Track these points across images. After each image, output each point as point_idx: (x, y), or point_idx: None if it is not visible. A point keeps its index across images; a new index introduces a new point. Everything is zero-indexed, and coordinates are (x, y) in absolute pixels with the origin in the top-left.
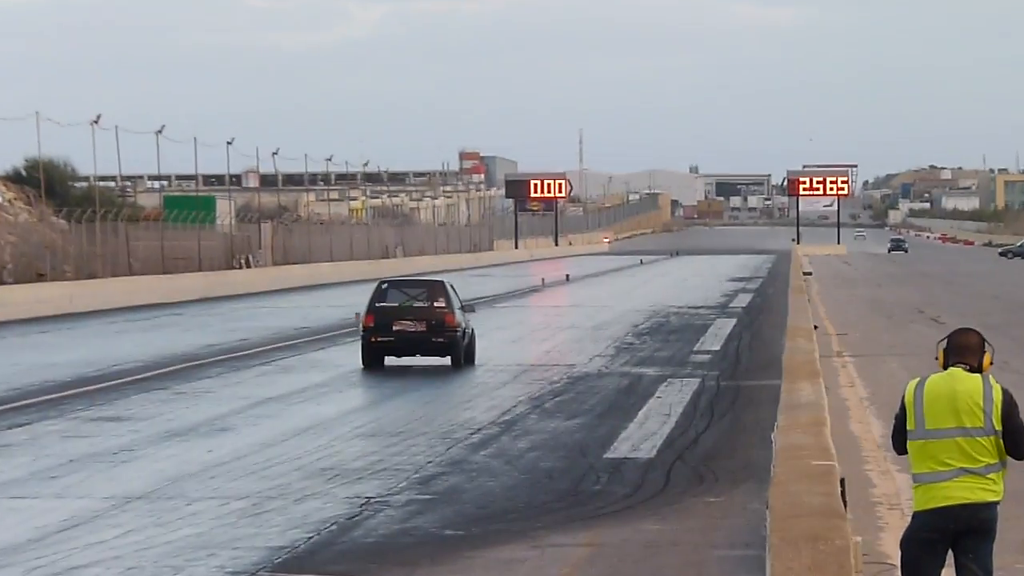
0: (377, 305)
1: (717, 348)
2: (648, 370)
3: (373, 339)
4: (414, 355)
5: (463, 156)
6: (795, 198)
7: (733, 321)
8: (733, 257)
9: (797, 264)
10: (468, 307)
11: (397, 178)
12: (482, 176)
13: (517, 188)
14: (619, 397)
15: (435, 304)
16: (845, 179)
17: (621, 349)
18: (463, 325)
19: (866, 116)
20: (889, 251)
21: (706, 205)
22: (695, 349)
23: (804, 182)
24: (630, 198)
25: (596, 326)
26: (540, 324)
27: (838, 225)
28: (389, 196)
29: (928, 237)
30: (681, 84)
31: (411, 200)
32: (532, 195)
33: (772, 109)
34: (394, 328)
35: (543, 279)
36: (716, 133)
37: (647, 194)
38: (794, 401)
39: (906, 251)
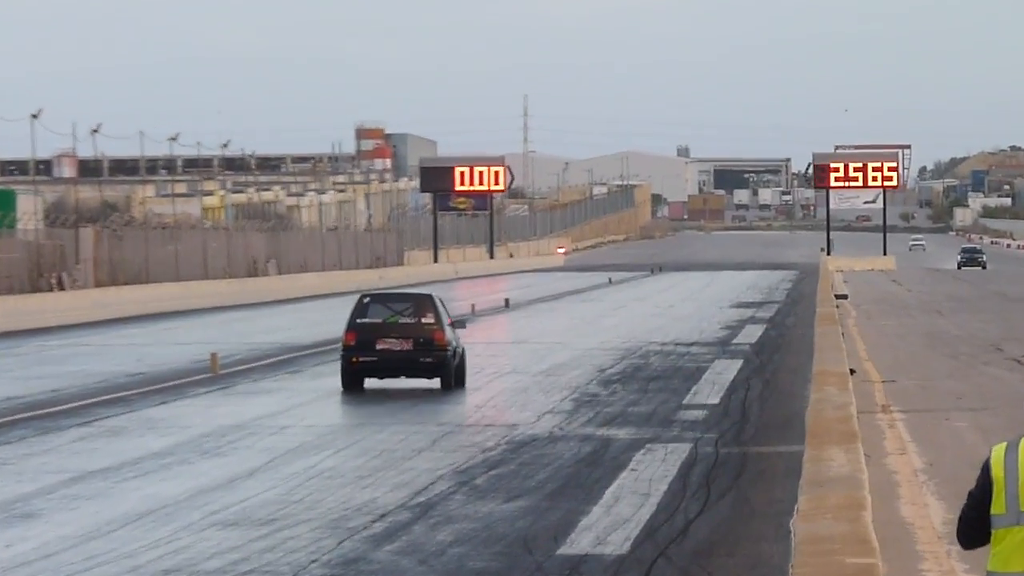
0: (358, 321)
1: (716, 401)
2: (619, 432)
3: (354, 359)
4: (399, 376)
5: (361, 134)
6: (824, 191)
7: (738, 363)
8: (738, 274)
9: (827, 283)
10: (458, 323)
11: (270, 165)
12: (388, 162)
13: (437, 178)
14: (578, 470)
15: (422, 320)
16: (894, 165)
17: (582, 403)
18: (453, 343)
19: (922, 79)
20: (960, 266)
21: (701, 201)
22: (685, 402)
23: (837, 169)
24: (595, 192)
25: (547, 371)
26: (470, 369)
27: (884, 229)
28: (258, 190)
29: (1009, 246)
30: (664, 33)
31: (289, 195)
32: (458, 188)
33: (792, 69)
34: (377, 347)
35: (473, 305)
36: (715, 102)
37: (618, 186)
38: (822, 475)
39: (984, 266)
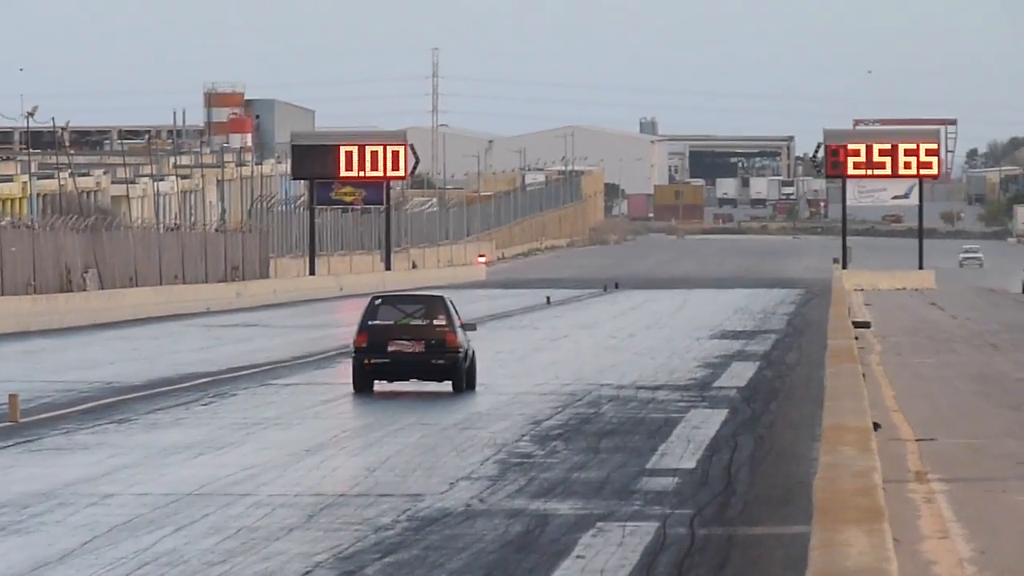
0: (370, 323)
1: (691, 465)
2: (561, 506)
3: (367, 361)
4: (410, 379)
5: (212, 100)
6: (840, 182)
7: (721, 414)
8: (722, 293)
9: (843, 307)
10: (469, 326)
11: (90, 141)
12: (248, 137)
13: (314, 160)
14: (505, 557)
15: (434, 322)
16: (934, 147)
17: (509, 466)
18: (464, 346)
19: (971, 31)
20: None
21: (672, 193)
22: (649, 467)
23: (856, 152)
24: (529, 180)
25: (463, 423)
26: (358, 417)
27: (920, 234)
28: (74, 174)
29: None
30: None
31: (115, 182)
32: (343, 174)
33: (795, 15)
34: (389, 348)
35: None
36: (690, 62)
37: (561, 173)
38: (836, 566)
39: None
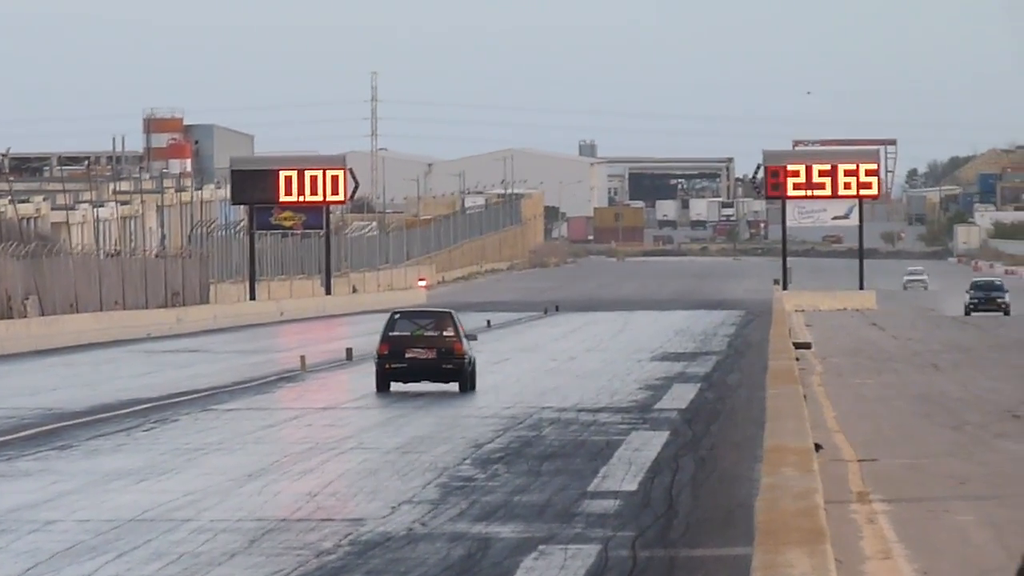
0: (390, 334)
1: (632, 487)
2: (502, 529)
3: (387, 365)
4: (423, 381)
5: (152, 126)
6: (779, 203)
7: (663, 436)
8: (663, 315)
9: (783, 328)
10: (471, 336)
11: (29, 167)
12: (188, 163)
13: (254, 185)
14: None
15: (444, 333)
16: (874, 167)
17: (451, 489)
18: (468, 353)
19: (912, 52)
20: (969, 309)
21: (612, 216)
22: (591, 489)
23: (796, 173)
24: (468, 204)
25: (404, 446)
26: (299, 442)
27: (860, 254)
28: (13, 201)
29: None
30: None
31: (55, 208)
32: (282, 199)
33: (734, 37)
34: (406, 355)
35: (303, 357)
36: (629, 84)
37: (500, 196)
38: None
39: (1006, 311)
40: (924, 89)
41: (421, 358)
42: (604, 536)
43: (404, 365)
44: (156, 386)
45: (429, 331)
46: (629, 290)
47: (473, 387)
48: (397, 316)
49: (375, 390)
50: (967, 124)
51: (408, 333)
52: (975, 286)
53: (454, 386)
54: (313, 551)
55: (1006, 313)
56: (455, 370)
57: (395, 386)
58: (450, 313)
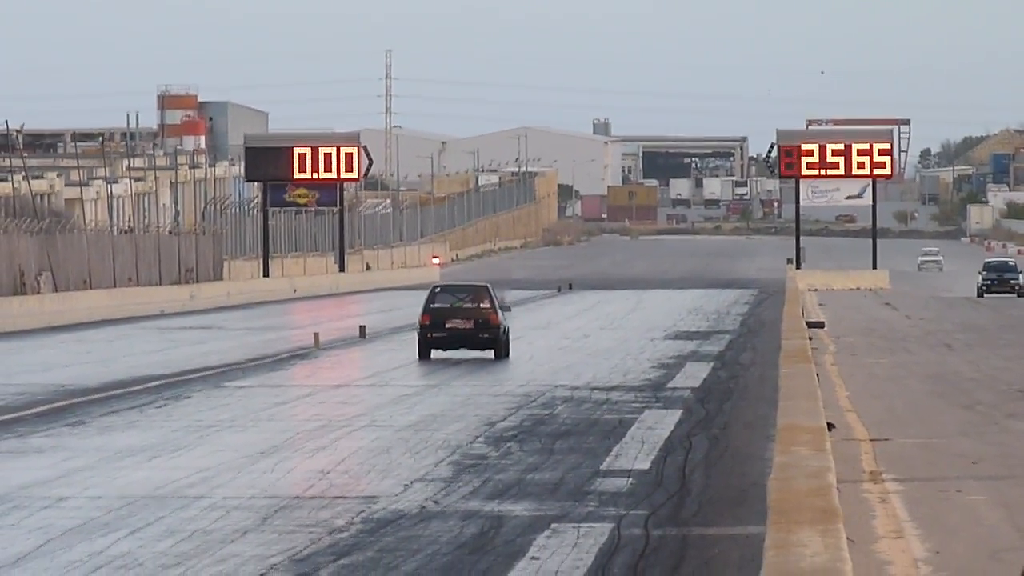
0: (432, 306)
1: (645, 466)
2: (515, 507)
3: (429, 335)
4: (461, 349)
5: (166, 103)
6: (793, 182)
7: (675, 415)
8: (676, 294)
9: (796, 307)
10: (505, 307)
11: (43, 143)
12: (202, 140)
13: (268, 162)
14: (460, 559)
15: (481, 305)
16: (887, 147)
17: (464, 467)
18: (503, 323)
19: (925, 31)
20: (982, 291)
21: (625, 194)
22: (604, 468)
23: (810, 152)
24: (482, 182)
25: (417, 424)
26: (311, 420)
27: (874, 234)
28: (27, 177)
29: None
30: None
31: (69, 184)
32: (296, 176)
33: (747, 16)
34: (446, 325)
35: (316, 335)
36: (643, 62)
37: (514, 174)
38: (790, 566)
39: (1020, 292)
40: (937, 69)
41: (460, 328)
42: (617, 515)
43: (444, 334)
44: (169, 363)
45: (467, 303)
46: (642, 268)
47: (507, 354)
48: (438, 290)
49: (417, 357)
50: (980, 104)
51: (448, 305)
52: (988, 267)
53: (490, 353)
54: (326, 528)
55: (1020, 295)
56: (491, 339)
57: (435, 353)
58: (486, 287)
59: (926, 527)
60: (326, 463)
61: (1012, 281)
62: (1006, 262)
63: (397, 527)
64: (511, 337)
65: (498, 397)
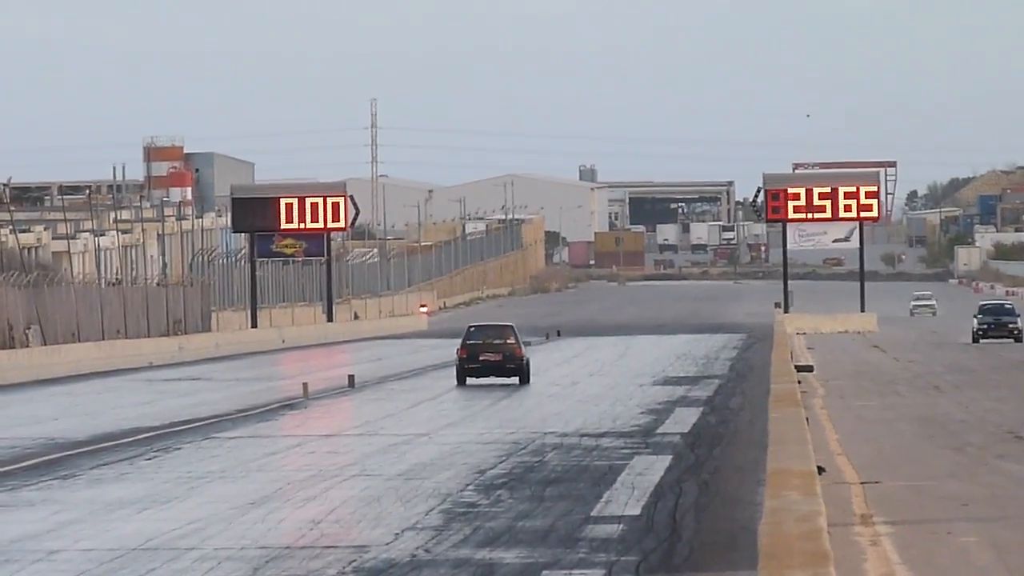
0: (468, 343)
1: (636, 512)
2: (506, 555)
3: (466, 366)
4: (491, 377)
5: (152, 154)
6: (780, 226)
7: (665, 460)
8: (664, 339)
9: (785, 351)
10: (526, 343)
11: (29, 197)
12: (188, 191)
13: (255, 213)
14: None
15: (507, 341)
16: (874, 189)
17: (454, 516)
18: (525, 356)
19: (911, 73)
20: (977, 336)
21: (612, 240)
22: (594, 514)
23: (796, 196)
24: (469, 229)
25: (407, 473)
26: (301, 470)
27: (861, 277)
28: (14, 230)
29: None
30: (557, 13)
31: (56, 238)
32: (283, 226)
33: (733, 59)
34: (480, 358)
35: (305, 385)
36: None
37: (501, 222)
38: None
39: (1018, 337)
40: (923, 111)
41: (491, 360)
42: (608, 560)
43: (478, 365)
44: (158, 415)
45: (496, 340)
46: (630, 314)
47: (528, 381)
48: (473, 329)
49: (455, 384)
50: (966, 146)
51: (481, 341)
52: (983, 310)
53: (515, 380)
54: None
55: (1017, 340)
56: (516, 368)
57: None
58: (511, 326)
59: (917, 569)
60: (316, 513)
61: (1011, 325)
62: (1003, 304)
63: None
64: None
65: (488, 445)
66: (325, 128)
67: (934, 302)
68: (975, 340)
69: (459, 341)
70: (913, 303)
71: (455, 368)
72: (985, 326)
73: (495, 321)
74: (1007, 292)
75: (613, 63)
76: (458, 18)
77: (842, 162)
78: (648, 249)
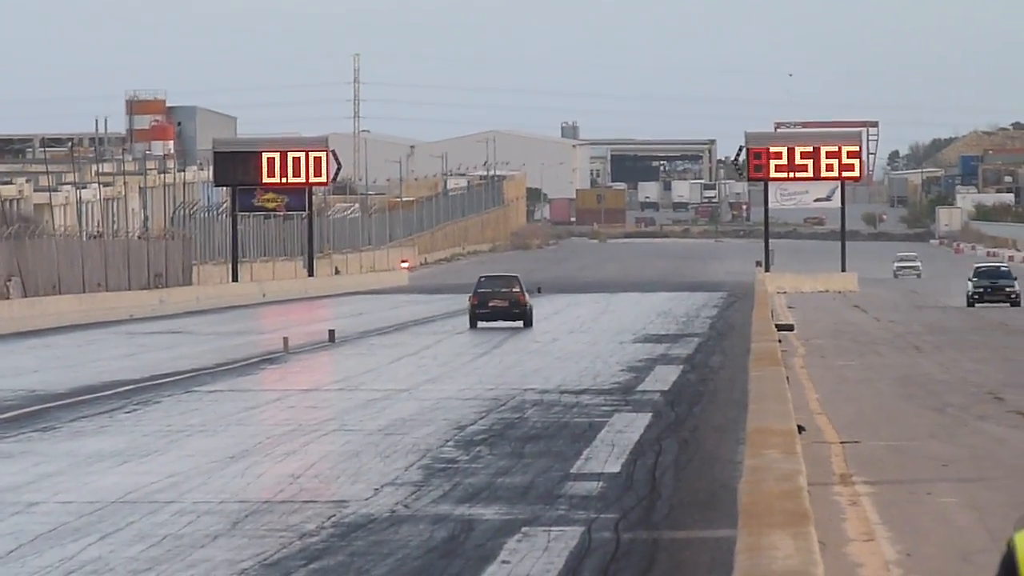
0: (479, 291)
1: (615, 469)
2: (485, 511)
3: (476, 311)
4: (499, 321)
5: (134, 107)
6: (762, 185)
7: (645, 418)
8: (645, 297)
9: (766, 310)
10: (530, 291)
11: (11, 148)
12: (170, 144)
13: (236, 167)
14: (430, 563)
15: (512, 290)
16: (856, 149)
17: (434, 471)
18: (528, 303)
19: (892, 33)
20: (973, 301)
21: (594, 198)
22: (574, 471)
23: (778, 155)
24: (451, 185)
25: (387, 428)
26: (281, 424)
27: (843, 236)
28: None
29: (1012, 258)
30: None
31: (38, 190)
32: (265, 180)
33: (714, 17)
34: (489, 304)
35: (286, 339)
36: (610, 65)
37: (483, 178)
38: (761, 569)
39: (1015, 300)
40: (905, 71)
41: (498, 306)
42: (587, 518)
43: (487, 311)
44: (138, 368)
45: (503, 288)
46: (611, 272)
47: (531, 324)
48: (483, 279)
49: (468, 327)
50: (949, 106)
51: (490, 290)
52: (978, 273)
53: (520, 323)
54: (296, 533)
55: (1014, 304)
56: (520, 313)
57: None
58: (516, 277)
59: (897, 529)
60: (296, 467)
61: (1008, 288)
62: (999, 267)
63: (368, 531)
64: (535, 314)
65: (468, 401)
66: (307, 83)
67: (919, 263)
68: (970, 304)
69: (439, 296)
70: (897, 264)
71: (467, 314)
72: (981, 290)
73: (502, 272)
74: (988, 253)
75: (596, 20)
76: None
77: (824, 122)
78: (629, 207)
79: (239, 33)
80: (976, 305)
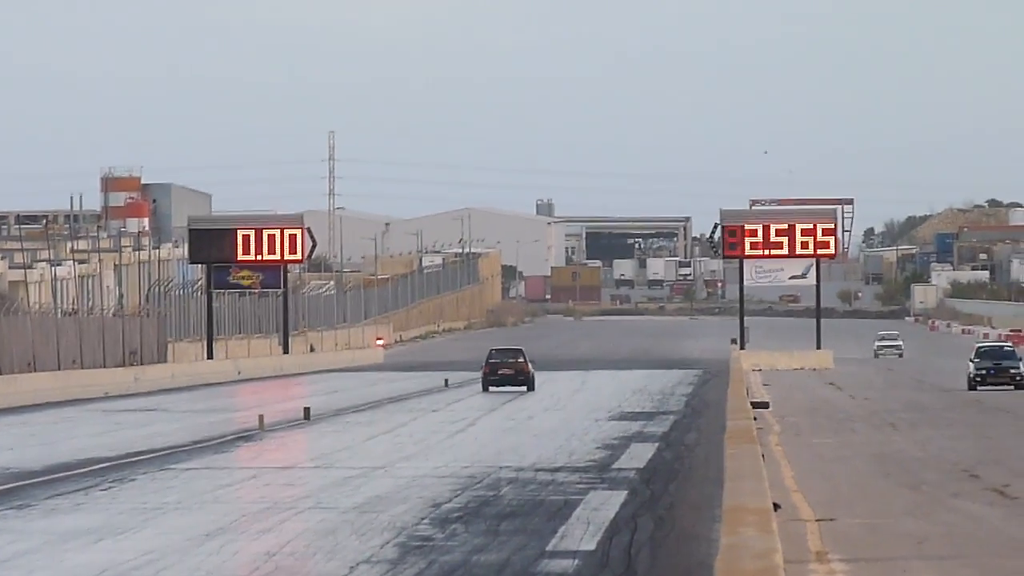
0: (490, 361)
1: (591, 547)
2: None
3: (489, 378)
4: (507, 386)
5: (109, 184)
6: (737, 262)
7: (621, 495)
8: (620, 374)
9: (741, 387)
10: (532, 362)
11: None
12: (145, 222)
13: (212, 244)
14: None
15: (518, 360)
16: (831, 227)
17: (409, 549)
18: (532, 371)
19: (869, 110)
20: (975, 383)
21: (569, 275)
22: (549, 548)
23: (753, 232)
24: (426, 262)
25: (362, 506)
26: (257, 502)
27: (818, 314)
28: None
29: (986, 335)
30: (515, 44)
31: (12, 267)
32: (240, 258)
33: (692, 93)
34: (499, 372)
35: (262, 416)
36: (586, 143)
37: (458, 255)
38: None
39: (1021, 383)
40: (881, 149)
41: (507, 373)
42: None
43: (497, 377)
44: (114, 445)
45: (510, 359)
46: (587, 349)
47: (533, 389)
48: (493, 351)
49: (481, 390)
50: (924, 184)
51: (499, 360)
52: (980, 353)
53: (524, 388)
54: None
55: (1019, 387)
56: (524, 379)
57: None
58: (521, 350)
59: None
60: (272, 545)
61: (1012, 370)
62: (1002, 347)
63: None
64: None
65: (443, 479)
66: (282, 160)
67: (900, 342)
68: (971, 387)
69: (414, 374)
70: (878, 344)
71: (480, 379)
72: (984, 371)
73: (510, 346)
74: (963, 331)
75: (571, 97)
76: (416, 51)
77: (799, 199)
78: (604, 284)
79: (214, 110)
80: (979, 388)
